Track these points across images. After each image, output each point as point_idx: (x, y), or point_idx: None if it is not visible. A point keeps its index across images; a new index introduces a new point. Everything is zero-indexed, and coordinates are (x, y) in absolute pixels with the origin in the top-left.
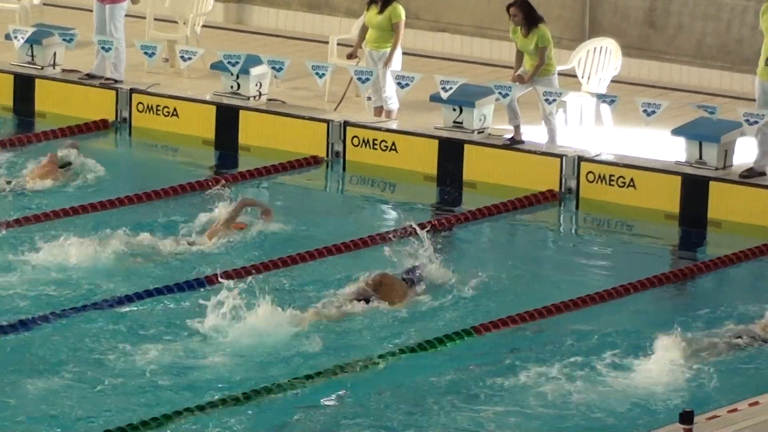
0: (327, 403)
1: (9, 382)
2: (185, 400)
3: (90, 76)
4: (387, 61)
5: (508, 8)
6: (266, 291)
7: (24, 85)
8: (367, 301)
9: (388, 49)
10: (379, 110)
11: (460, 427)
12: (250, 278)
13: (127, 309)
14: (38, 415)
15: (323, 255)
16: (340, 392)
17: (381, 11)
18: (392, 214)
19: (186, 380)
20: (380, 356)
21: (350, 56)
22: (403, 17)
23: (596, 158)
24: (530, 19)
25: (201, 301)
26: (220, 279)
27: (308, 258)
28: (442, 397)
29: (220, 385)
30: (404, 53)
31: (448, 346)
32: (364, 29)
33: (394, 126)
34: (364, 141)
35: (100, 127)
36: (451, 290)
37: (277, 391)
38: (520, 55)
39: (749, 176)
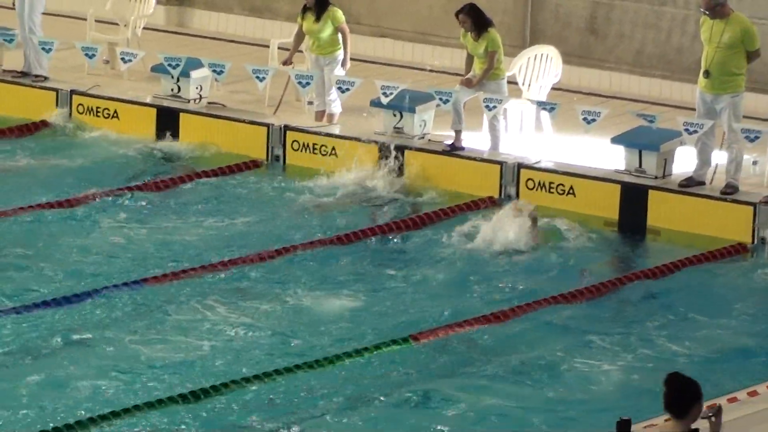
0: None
1: None
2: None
3: (23, 74)
4: (344, 63)
5: (456, 15)
6: None
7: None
8: None
9: (337, 53)
10: (321, 114)
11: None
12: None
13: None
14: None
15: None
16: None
17: (318, 18)
18: (332, 217)
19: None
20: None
21: (285, 63)
22: (344, 19)
23: (536, 165)
24: (479, 24)
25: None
26: None
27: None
28: (379, 402)
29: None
30: None
31: (384, 351)
32: (299, 36)
33: (334, 131)
34: (304, 145)
35: (40, 128)
36: (389, 297)
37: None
38: (470, 59)
39: (688, 185)
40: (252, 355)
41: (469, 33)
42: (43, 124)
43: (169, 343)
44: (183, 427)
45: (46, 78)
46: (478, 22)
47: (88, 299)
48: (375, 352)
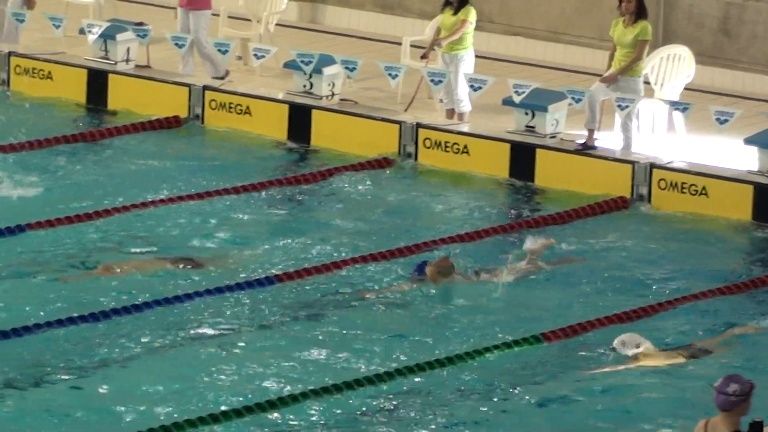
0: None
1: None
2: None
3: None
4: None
5: None
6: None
7: (97, 80)
8: None
9: (461, 52)
10: (450, 112)
11: None
12: None
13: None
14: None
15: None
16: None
17: (455, 13)
18: (462, 216)
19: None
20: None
21: (423, 56)
22: (471, 18)
23: (668, 165)
24: (640, 10)
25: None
26: None
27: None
28: (509, 401)
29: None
30: (477, 56)
31: (515, 349)
32: (438, 31)
33: (466, 129)
34: (436, 143)
35: (172, 123)
36: (520, 295)
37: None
38: (612, 57)
39: None
40: (378, 352)
41: (622, 20)
42: (176, 119)
43: (294, 338)
44: (309, 423)
45: (224, 77)
46: (640, 6)
47: (209, 296)
48: (506, 351)
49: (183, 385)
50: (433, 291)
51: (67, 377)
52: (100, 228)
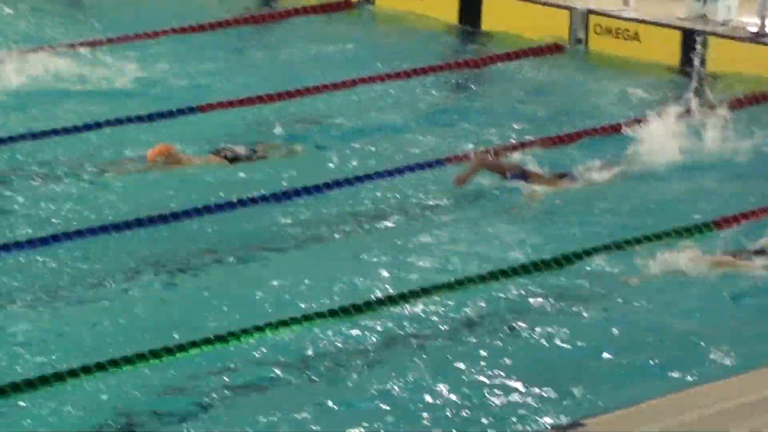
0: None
1: None
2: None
3: None
4: None
5: None
6: None
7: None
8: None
9: None
10: None
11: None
12: None
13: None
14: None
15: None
16: None
17: None
18: (631, 103)
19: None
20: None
21: None
22: None
23: None
24: None
25: None
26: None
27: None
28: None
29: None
30: None
31: (686, 240)
32: None
33: (637, 15)
34: (606, 29)
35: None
36: (684, 179)
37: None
38: None
39: None
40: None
41: None
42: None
43: (454, 223)
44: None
45: None
46: None
47: (378, 179)
48: (676, 238)
49: (330, 273)
50: (599, 179)
51: (213, 264)
52: (271, 111)
